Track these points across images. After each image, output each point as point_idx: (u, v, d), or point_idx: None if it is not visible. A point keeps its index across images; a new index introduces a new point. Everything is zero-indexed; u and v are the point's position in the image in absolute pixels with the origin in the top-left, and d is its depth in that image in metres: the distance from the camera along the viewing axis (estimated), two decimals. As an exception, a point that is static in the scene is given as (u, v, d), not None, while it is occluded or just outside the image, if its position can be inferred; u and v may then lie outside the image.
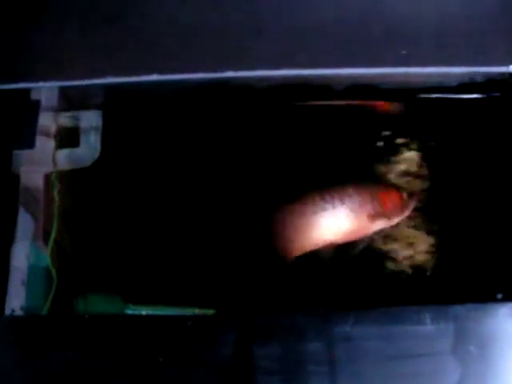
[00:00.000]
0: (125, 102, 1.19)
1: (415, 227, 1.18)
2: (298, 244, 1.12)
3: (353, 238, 1.13)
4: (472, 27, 1.12)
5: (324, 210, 1.10)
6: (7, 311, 0.98)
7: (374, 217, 1.12)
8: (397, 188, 1.15)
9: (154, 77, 1.12)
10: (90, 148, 1.14)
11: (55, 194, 1.10)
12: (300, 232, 1.12)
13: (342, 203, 1.10)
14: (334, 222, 1.11)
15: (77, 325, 0.94)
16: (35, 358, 0.90)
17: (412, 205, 1.14)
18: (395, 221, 1.14)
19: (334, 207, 1.10)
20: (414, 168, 1.22)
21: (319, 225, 1.11)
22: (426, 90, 1.19)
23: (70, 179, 1.14)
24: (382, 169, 1.22)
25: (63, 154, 1.12)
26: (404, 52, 1.11)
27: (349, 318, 0.88)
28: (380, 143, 1.23)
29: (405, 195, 1.13)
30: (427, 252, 1.17)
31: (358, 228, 1.12)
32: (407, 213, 1.14)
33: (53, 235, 1.07)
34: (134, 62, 1.13)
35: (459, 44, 1.12)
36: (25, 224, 1.05)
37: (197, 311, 1.09)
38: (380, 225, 1.13)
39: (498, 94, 1.17)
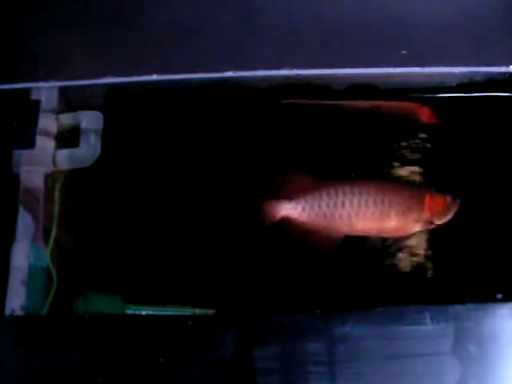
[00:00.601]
0: (125, 102, 1.19)
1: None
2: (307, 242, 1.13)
3: (390, 237, 1.14)
4: (472, 27, 1.12)
5: (351, 205, 1.10)
6: (7, 311, 0.98)
7: (417, 219, 1.11)
8: (442, 192, 1.13)
9: (154, 77, 1.12)
10: (89, 148, 1.13)
11: (55, 194, 1.10)
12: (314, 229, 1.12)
13: (378, 201, 1.10)
14: (364, 219, 1.11)
15: (77, 325, 0.94)
16: (35, 357, 0.90)
17: (455, 209, 1.13)
18: (437, 224, 1.13)
19: (360, 203, 1.10)
20: (413, 167, 1.22)
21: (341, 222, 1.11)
22: (426, 89, 1.19)
23: (70, 179, 1.14)
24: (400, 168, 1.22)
25: (63, 153, 1.12)
26: (404, 52, 1.11)
27: (349, 317, 0.88)
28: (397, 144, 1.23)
29: (449, 199, 1.12)
30: (427, 252, 1.17)
31: (398, 228, 1.12)
32: (450, 217, 1.13)
33: (53, 235, 1.07)
34: (134, 62, 1.13)
35: (459, 44, 1.12)
36: (25, 224, 1.05)
37: (197, 311, 1.09)
38: (422, 227, 1.13)
39: (498, 94, 1.17)
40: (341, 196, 1.10)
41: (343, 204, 1.10)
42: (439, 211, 1.12)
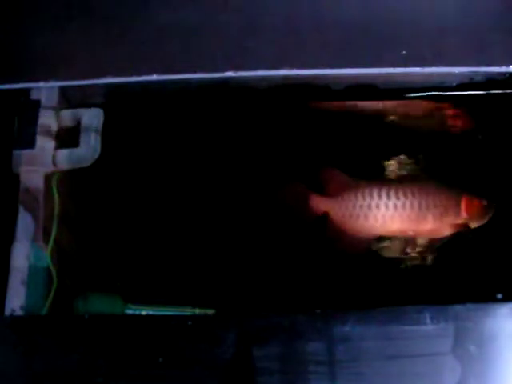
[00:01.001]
0: (125, 102, 1.19)
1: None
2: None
3: (426, 239, 1.14)
4: (472, 27, 1.12)
5: (377, 206, 1.10)
6: (7, 311, 0.98)
7: (454, 222, 1.11)
8: (479, 195, 1.13)
9: (154, 77, 1.12)
10: (89, 148, 1.13)
11: (55, 194, 1.10)
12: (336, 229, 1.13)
13: (418, 204, 1.10)
14: (400, 220, 1.11)
15: (77, 325, 0.94)
16: (35, 357, 0.90)
17: (491, 212, 1.13)
18: (474, 226, 1.13)
19: (396, 205, 1.10)
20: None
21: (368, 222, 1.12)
22: (425, 89, 1.19)
23: (70, 179, 1.14)
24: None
25: (63, 154, 1.12)
26: (404, 52, 1.11)
27: (349, 317, 0.88)
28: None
29: (485, 203, 1.12)
30: (428, 252, 1.17)
31: (434, 231, 1.12)
32: (486, 220, 1.13)
33: (53, 235, 1.07)
34: (134, 62, 1.13)
35: (459, 44, 1.12)
36: (25, 224, 1.05)
37: (197, 311, 1.09)
38: (457, 230, 1.12)
39: (498, 94, 1.17)
40: (376, 198, 1.11)
41: (378, 206, 1.10)
42: (476, 214, 1.12)
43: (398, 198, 1.10)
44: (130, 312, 1.08)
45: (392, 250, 1.16)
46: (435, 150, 1.21)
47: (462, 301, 0.89)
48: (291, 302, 1.09)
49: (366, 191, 1.11)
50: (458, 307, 0.89)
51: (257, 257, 1.15)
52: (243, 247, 1.15)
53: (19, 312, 0.99)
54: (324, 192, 1.14)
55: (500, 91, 1.16)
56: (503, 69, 1.11)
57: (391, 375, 0.87)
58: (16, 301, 1.00)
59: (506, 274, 1.09)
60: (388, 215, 1.10)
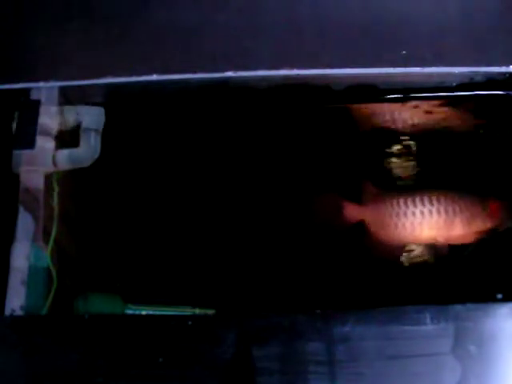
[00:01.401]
0: (125, 102, 1.19)
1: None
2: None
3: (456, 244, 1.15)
4: (472, 27, 1.13)
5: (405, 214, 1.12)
6: (7, 311, 0.98)
7: (481, 226, 1.12)
8: (505, 199, 1.15)
9: (154, 77, 1.12)
10: (89, 148, 1.13)
11: (55, 194, 1.10)
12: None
13: (445, 209, 1.11)
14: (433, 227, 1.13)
15: (77, 325, 0.94)
16: (35, 357, 0.90)
17: None
18: (500, 230, 1.14)
19: (426, 212, 1.12)
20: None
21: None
22: (426, 89, 1.19)
23: (70, 179, 1.14)
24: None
25: (63, 154, 1.12)
26: (404, 52, 1.11)
27: (349, 318, 0.88)
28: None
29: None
30: (428, 252, 1.17)
31: (462, 236, 1.13)
32: None
33: (53, 235, 1.07)
34: (134, 62, 1.13)
35: (459, 44, 1.12)
36: (25, 224, 1.05)
37: (197, 311, 1.09)
38: (485, 233, 1.14)
39: (498, 94, 1.17)
40: (403, 207, 1.12)
41: (405, 214, 1.12)
42: (503, 218, 1.13)
43: (424, 205, 1.11)
44: (130, 312, 1.08)
45: (422, 257, 1.17)
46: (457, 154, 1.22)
47: (462, 301, 0.89)
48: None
49: (395, 200, 1.13)
50: (458, 307, 0.89)
51: (265, 257, 1.15)
52: (243, 247, 1.15)
53: (19, 312, 0.99)
54: (358, 201, 1.16)
55: (500, 91, 1.16)
56: (503, 69, 1.11)
57: (391, 375, 0.87)
58: (16, 301, 0.99)
59: (506, 274, 1.09)
60: (416, 222, 1.12)
